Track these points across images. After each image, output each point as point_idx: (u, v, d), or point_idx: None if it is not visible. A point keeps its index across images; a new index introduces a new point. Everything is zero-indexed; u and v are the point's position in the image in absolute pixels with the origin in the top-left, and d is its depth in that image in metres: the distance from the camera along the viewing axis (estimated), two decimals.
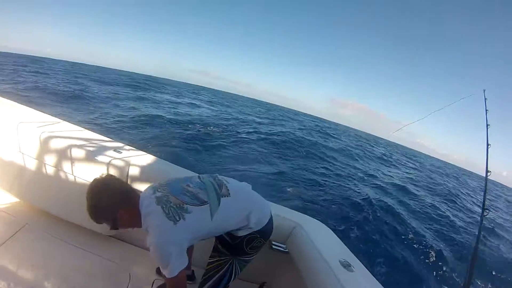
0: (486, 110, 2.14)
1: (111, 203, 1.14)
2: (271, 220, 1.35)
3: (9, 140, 1.82)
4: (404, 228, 7.25)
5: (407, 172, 17.14)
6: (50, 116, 2.15)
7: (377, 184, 10.66)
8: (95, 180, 1.17)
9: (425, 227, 8.15)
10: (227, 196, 1.22)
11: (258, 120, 22.97)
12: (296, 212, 2.02)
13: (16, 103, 2.20)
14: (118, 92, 19.64)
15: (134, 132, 9.05)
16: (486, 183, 1.84)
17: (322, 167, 10.64)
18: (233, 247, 1.29)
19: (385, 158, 21.05)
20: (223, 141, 10.65)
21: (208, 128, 12.44)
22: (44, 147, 1.77)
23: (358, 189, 9.07)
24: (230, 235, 1.27)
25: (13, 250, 1.66)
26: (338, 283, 1.29)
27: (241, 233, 1.25)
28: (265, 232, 1.31)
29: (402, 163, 22.39)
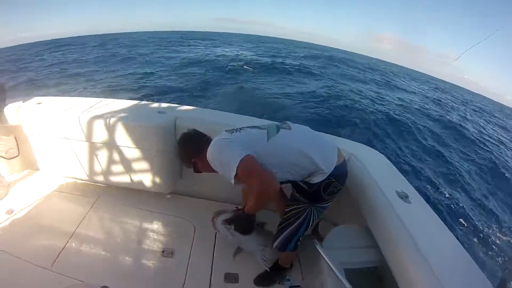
0: None
1: (187, 151, 1.37)
2: (344, 163, 1.32)
3: (64, 129, 1.85)
4: None
5: None
6: (91, 98, 2.19)
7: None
8: (182, 134, 1.41)
9: None
10: (288, 129, 1.26)
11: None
12: (350, 141, 1.98)
13: (58, 97, 2.20)
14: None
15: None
16: None
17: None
18: (311, 194, 1.28)
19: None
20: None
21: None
22: (94, 129, 1.82)
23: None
24: (307, 183, 1.26)
25: (93, 221, 1.92)
26: (395, 214, 1.27)
27: (317, 180, 1.22)
28: (340, 176, 1.28)
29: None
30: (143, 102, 2.24)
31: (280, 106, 8.87)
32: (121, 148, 1.86)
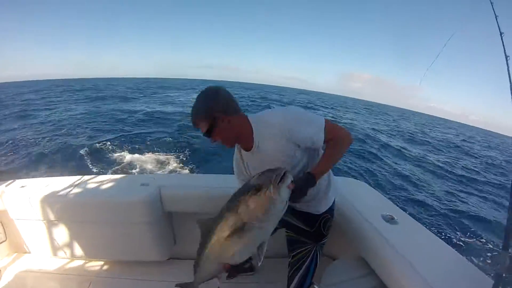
0: (496, 16, 1.72)
1: (212, 105, 1.12)
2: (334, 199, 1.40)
3: (51, 211, 1.87)
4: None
5: None
6: (72, 177, 2.21)
7: None
8: (208, 87, 1.17)
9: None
10: None
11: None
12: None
13: (40, 178, 2.24)
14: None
15: None
16: None
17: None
18: (313, 234, 1.33)
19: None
20: None
21: None
22: (80, 209, 1.87)
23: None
24: (309, 223, 1.34)
25: None
26: (384, 239, 1.32)
27: (317, 218, 1.32)
28: (333, 209, 1.38)
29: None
30: (124, 175, 2.28)
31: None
32: (110, 224, 1.88)
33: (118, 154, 7.49)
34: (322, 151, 1.21)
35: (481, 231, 5.44)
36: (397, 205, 1.72)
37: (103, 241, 1.97)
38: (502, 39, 1.64)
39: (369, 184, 2.02)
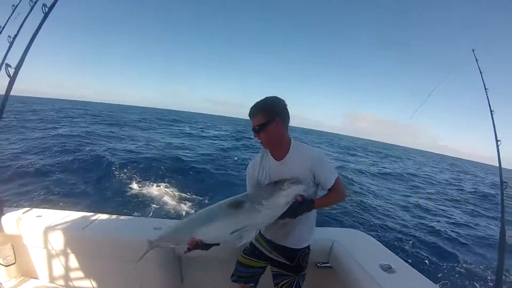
0: (480, 72, 1.82)
1: (275, 108, 1.33)
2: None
3: (65, 244, 1.95)
4: None
5: None
6: (88, 213, 2.28)
7: None
8: (275, 96, 1.39)
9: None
10: None
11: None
12: (331, 228, 2.19)
13: (56, 211, 2.31)
14: None
15: None
16: (498, 154, 1.49)
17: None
18: (294, 267, 1.51)
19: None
20: None
21: None
22: (93, 245, 1.94)
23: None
24: (289, 257, 1.51)
25: None
26: (379, 287, 1.38)
27: (296, 252, 1.50)
28: (309, 245, 1.54)
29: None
30: (138, 217, 2.37)
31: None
32: (120, 261, 1.95)
33: (138, 188, 7.36)
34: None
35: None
36: (397, 254, 1.78)
37: (112, 277, 2.02)
38: (486, 94, 1.73)
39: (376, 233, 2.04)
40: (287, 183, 1.20)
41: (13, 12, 1.39)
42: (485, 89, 1.73)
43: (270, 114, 1.30)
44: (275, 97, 1.37)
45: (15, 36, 1.54)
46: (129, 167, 8.78)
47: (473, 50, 1.85)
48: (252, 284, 1.65)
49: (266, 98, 1.36)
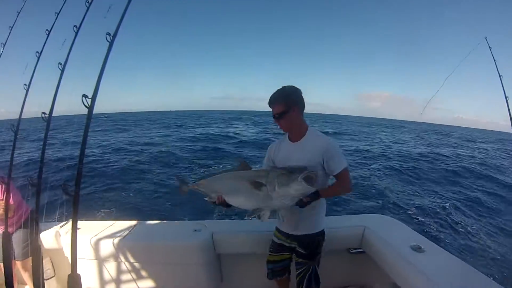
0: (494, 60, 1.88)
1: (293, 97, 1.48)
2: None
3: (107, 253, 2.03)
4: None
5: None
6: (126, 221, 2.36)
7: None
8: (292, 85, 1.52)
9: None
10: None
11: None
12: (361, 215, 2.39)
13: (94, 221, 2.42)
14: None
15: None
16: None
17: None
18: (309, 255, 1.61)
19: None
20: None
21: None
22: (135, 251, 2.03)
23: None
24: (304, 245, 1.62)
25: None
26: (413, 265, 1.51)
27: (309, 238, 1.60)
28: (324, 233, 1.64)
29: None
30: (176, 221, 2.52)
31: None
32: (163, 265, 2.05)
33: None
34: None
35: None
36: (425, 236, 1.91)
37: (153, 281, 2.08)
38: (501, 81, 1.80)
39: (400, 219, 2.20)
40: (300, 177, 1.26)
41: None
42: (500, 76, 1.80)
43: (289, 103, 1.45)
44: (292, 86, 1.50)
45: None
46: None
47: (486, 38, 1.90)
48: (287, 275, 1.79)
49: (284, 87, 1.50)
